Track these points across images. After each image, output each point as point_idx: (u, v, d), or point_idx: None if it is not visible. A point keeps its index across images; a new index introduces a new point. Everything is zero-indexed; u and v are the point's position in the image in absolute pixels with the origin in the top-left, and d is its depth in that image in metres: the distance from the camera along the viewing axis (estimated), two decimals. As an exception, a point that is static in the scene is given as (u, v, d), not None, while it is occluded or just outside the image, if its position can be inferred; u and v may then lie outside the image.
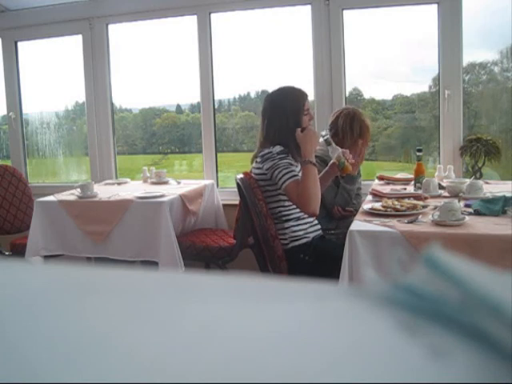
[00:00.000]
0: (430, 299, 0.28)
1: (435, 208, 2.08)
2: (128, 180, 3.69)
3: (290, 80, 2.95)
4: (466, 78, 3.44)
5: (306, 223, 2.40)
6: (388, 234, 1.86)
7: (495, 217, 1.98)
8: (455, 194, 2.47)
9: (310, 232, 2.41)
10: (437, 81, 3.35)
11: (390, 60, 3.68)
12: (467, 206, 2.16)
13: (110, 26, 3.83)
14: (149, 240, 2.82)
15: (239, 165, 3.83)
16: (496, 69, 3.45)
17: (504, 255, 1.66)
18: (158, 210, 2.82)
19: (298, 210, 2.35)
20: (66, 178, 4.26)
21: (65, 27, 3.86)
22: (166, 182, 3.48)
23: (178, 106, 4.23)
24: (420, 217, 2.02)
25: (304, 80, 3.46)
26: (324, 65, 3.40)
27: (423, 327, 0.27)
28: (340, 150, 2.40)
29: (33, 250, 2.97)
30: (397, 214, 2.08)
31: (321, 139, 2.43)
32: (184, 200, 3.07)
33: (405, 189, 2.76)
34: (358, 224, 1.98)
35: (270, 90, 2.57)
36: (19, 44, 4.05)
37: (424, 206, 2.17)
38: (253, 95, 3.92)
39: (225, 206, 3.49)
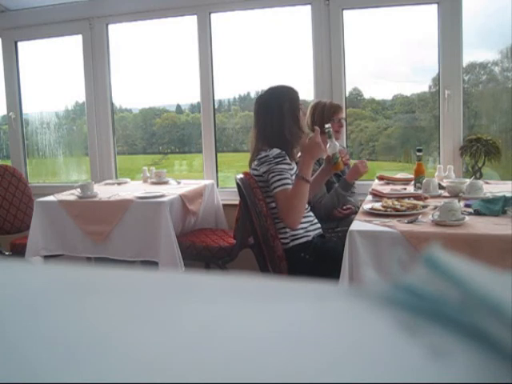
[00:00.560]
0: (430, 299, 0.28)
1: (435, 208, 2.08)
2: (128, 180, 3.70)
3: (290, 80, 2.94)
4: (466, 78, 3.44)
5: (306, 222, 2.40)
6: (388, 234, 1.86)
7: (495, 217, 1.98)
8: (455, 193, 2.47)
9: (311, 231, 2.41)
10: (437, 81, 3.35)
11: (389, 60, 3.68)
12: (467, 206, 2.16)
13: (110, 26, 3.84)
14: (149, 240, 2.82)
15: (239, 165, 3.82)
16: (496, 69, 3.45)
17: (504, 255, 1.66)
18: (158, 210, 2.82)
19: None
20: (66, 178, 4.26)
21: (65, 27, 3.86)
22: (165, 182, 3.48)
23: (178, 106, 4.23)
24: (420, 217, 2.02)
25: (304, 80, 3.47)
26: (324, 65, 3.40)
27: (423, 327, 0.27)
28: (338, 146, 2.45)
29: (33, 250, 2.97)
30: (397, 214, 2.08)
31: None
32: (184, 200, 3.07)
33: (405, 189, 2.75)
34: (358, 224, 1.98)
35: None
36: (19, 44, 4.05)
37: (424, 206, 2.17)
38: (253, 95, 3.92)
39: (225, 206, 3.50)
